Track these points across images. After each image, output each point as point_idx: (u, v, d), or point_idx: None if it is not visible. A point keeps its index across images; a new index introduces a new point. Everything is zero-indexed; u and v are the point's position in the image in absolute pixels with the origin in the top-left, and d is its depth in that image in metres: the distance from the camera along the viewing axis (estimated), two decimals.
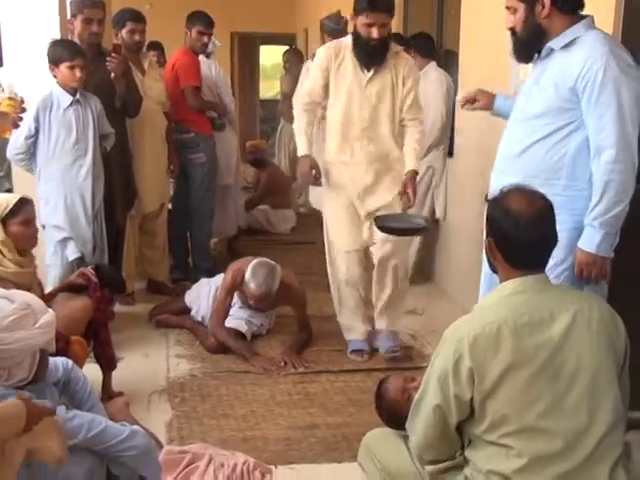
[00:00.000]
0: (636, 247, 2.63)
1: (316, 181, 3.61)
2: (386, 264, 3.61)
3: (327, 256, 3.77)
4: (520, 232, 1.89)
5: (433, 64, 4.76)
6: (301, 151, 3.57)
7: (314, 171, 3.52)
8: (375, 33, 3.34)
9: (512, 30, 2.54)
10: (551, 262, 2.15)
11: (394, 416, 2.30)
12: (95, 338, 3.12)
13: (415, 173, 3.48)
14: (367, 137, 3.53)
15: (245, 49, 12.90)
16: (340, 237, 3.65)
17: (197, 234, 5.03)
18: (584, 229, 2.43)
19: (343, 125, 3.55)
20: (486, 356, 1.80)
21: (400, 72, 3.50)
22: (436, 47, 5.07)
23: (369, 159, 3.55)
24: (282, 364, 3.64)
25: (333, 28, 5.17)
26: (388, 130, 3.53)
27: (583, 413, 1.81)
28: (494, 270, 2.02)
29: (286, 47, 8.55)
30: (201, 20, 4.86)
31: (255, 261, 3.73)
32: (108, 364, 3.21)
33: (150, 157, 4.47)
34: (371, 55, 3.43)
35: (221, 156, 5.06)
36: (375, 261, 3.67)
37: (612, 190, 2.35)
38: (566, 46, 2.42)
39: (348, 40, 3.51)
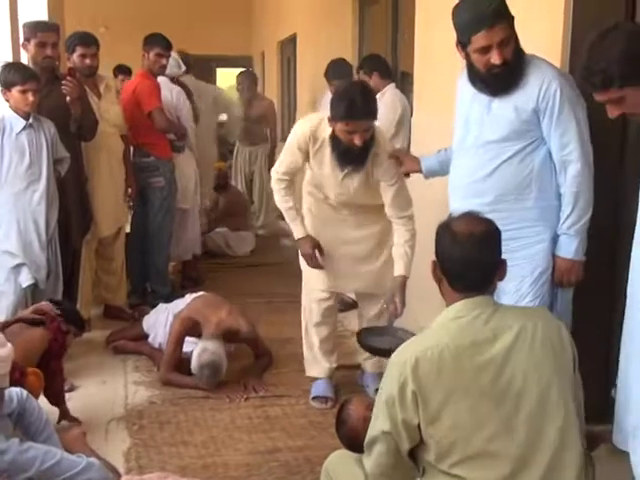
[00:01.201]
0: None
1: (319, 262, 3.39)
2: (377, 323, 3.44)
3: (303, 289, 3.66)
4: (457, 251, 1.91)
5: (392, 86, 4.82)
6: (298, 235, 3.37)
7: (317, 251, 3.37)
8: (358, 140, 3.01)
9: (503, 64, 2.48)
10: (537, 271, 2.48)
11: (354, 441, 2.29)
12: (45, 369, 3.00)
13: (405, 279, 3.20)
14: (345, 209, 3.40)
15: (201, 72, 12.89)
16: (315, 282, 3.51)
17: (155, 259, 4.98)
18: (559, 238, 2.59)
19: (319, 197, 3.42)
20: (428, 380, 1.79)
21: (378, 172, 3.21)
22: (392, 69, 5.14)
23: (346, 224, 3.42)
24: (242, 388, 3.61)
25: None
26: (371, 207, 3.36)
27: (533, 433, 1.79)
28: (442, 294, 2.03)
29: (242, 69, 8.54)
30: (159, 42, 4.86)
31: (197, 358, 3.57)
32: (56, 398, 3.12)
33: (107, 181, 4.43)
34: (351, 161, 3.15)
35: (179, 179, 5.04)
36: (364, 321, 3.57)
37: (581, 200, 2.55)
38: (525, 73, 2.53)
39: (328, 129, 3.17)
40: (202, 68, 12.77)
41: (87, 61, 4.29)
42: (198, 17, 11.00)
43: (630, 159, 2.87)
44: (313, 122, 3.20)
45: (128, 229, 4.95)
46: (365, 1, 6.24)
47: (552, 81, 2.49)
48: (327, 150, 3.18)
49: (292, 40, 8.89)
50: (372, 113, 3.04)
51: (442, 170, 3.00)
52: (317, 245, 3.39)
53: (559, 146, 2.54)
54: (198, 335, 3.73)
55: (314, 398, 3.52)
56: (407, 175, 3.24)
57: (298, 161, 3.29)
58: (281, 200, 3.38)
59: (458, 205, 2.63)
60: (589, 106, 2.51)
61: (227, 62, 12.98)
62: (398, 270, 3.21)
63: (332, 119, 3.06)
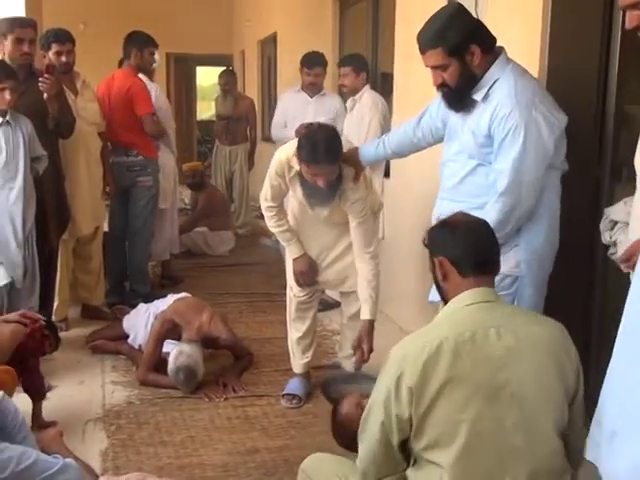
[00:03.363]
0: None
1: (311, 280, 3.43)
2: (355, 322, 3.43)
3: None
4: (459, 235, 1.97)
5: (368, 86, 4.83)
6: (294, 255, 3.40)
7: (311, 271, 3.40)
8: (321, 183, 3.02)
9: (443, 86, 2.55)
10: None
11: (354, 442, 2.30)
12: (23, 367, 2.98)
13: (372, 324, 3.22)
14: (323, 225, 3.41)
15: (181, 70, 12.84)
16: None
17: (136, 258, 4.96)
18: None
19: (298, 220, 3.44)
20: (425, 374, 1.79)
21: (345, 206, 3.22)
22: (371, 70, 5.15)
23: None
24: (221, 388, 3.60)
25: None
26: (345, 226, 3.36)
27: (521, 437, 1.79)
28: (444, 298, 2.03)
29: (222, 68, 8.52)
30: (152, 41, 4.95)
31: (173, 361, 3.54)
32: (36, 394, 3.10)
33: (84, 179, 4.39)
34: (318, 200, 3.18)
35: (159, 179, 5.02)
36: (344, 318, 3.60)
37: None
38: (486, 95, 2.51)
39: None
40: (182, 66, 12.79)
41: (63, 58, 4.25)
42: (178, 15, 10.94)
43: (607, 157, 2.91)
44: (289, 151, 3.18)
45: (106, 228, 4.91)
46: (346, 1, 6.25)
47: (505, 105, 2.44)
48: (298, 183, 3.20)
49: (272, 39, 8.87)
50: (335, 158, 3.02)
51: (378, 159, 3.27)
52: (312, 264, 3.42)
53: (495, 171, 2.51)
54: (178, 337, 3.71)
55: (283, 395, 3.53)
56: (357, 178, 3.21)
57: (281, 187, 3.30)
58: (274, 225, 3.40)
59: (443, 206, 2.69)
60: (569, 111, 2.51)
61: (207, 60, 12.94)
62: (364, 314, 3.23)
63: (297, 158, 3.08)
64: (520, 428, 1.79)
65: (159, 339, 3.70)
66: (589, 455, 1.79)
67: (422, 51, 2.53)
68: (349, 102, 4.90)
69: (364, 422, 1.97)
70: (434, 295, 2.76)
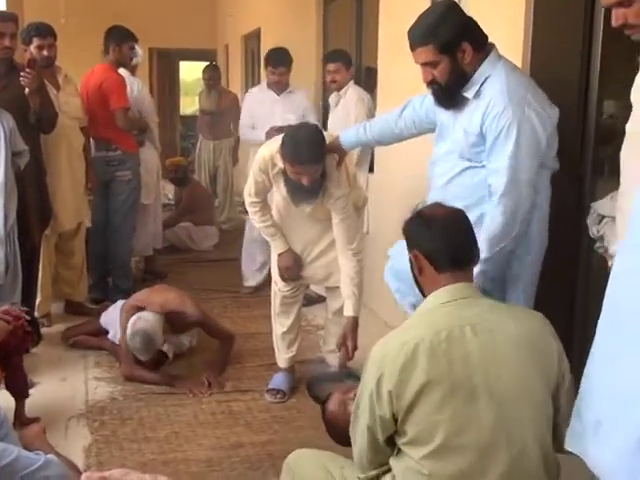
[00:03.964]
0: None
1: (296, 275, 3.44)
2: (339, 318, 3.44)
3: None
4: (438, 229, 1.94)
5: (352, 81, 4.83)
6: (279, 250, 3.41)
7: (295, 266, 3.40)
8: (305, 181, 3.02)
9: (433, 83, 2.52)
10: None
11: (346, 438, 2.31)
12: (6, 364, 2.96)
13: (356, 321, 3.21)
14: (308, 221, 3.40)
15: (164, 65, 12.77)
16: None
17: (118, 253, 4.93)
18: None
19: (282, 215, 3.43)
20: (403, 377, 1.79)
21: (328, 203, 3.22)
22: (356, 64, 5.14)
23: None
24: (206, 384, 3.59)
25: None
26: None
27: (499, 435, 1.79)
28: (422, 292, 2.03)
29: (206, 63, 8.48)
30: (132, 36, 4.90)
31: (130, 327, 3.57)
32: (20, 392, 3.08)
33: (66, 174, 4.35)
34: (302, 197, 3.16)
35: (141, 174, 4.99)
36: (329, 313, 3.60)
37: (490, 232, 2.43)
38: (477, 92, 2.48)
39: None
40: (165, 61, 12.71)
41: (44, 52, 4.21)
42: (162, 9, 10.88)
43: (589, 153, 2.93)
44: (273, 148, 3.18)
45: (88, 223, 4.88)
46: None
47: (497, 103, 2.40)
48: (282, 179, 3.20)
49: (256, 34, 8.84)
50: (319, 157, 3.02)
51: (359, 144, 3.23)
52: (297, 259, 3.42)
53: (490, 171, 2.47)
54: None
55: (267, 390, 3.53)
56: (339, 163, 3.21)
57: (265, 183, 3.30)
58: (258, 221, 3.41)
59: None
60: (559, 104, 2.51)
61: (191, 55, 12.88)
62: (347, 311, 3.22)
63: (281, 157, 3.08)
64: (499, 426, 1.79)
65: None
66: (571, 447, 1.80)
67: (412, 48, 2.50)
68: (333, 97, 4.90)
69: (354, 420, 1.97)
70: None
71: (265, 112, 5.00)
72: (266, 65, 5.10)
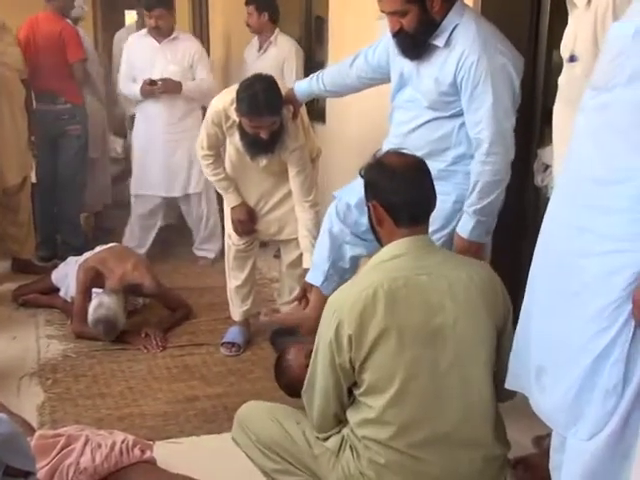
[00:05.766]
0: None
1: (250, 229, 3.42)
2: (294, 270, 3.48)
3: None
4: (400, 182, 1.92)
5: (278, 30, 4.76)
6: (232, 204, 3.38)
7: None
8: (263, 134, 3.00)
9: (400, 32, 2.47)
10: (430, 229, 2.21)
11: (296, 389, 2.31)
12: None
13: None
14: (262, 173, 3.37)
15: (109, 14, 12.34)
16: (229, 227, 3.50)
17: (67, 209, 4.83)
18: (463, 214, 2.50)
19: (236, 167, 3.39)
20: (364, 322, 1.81)
21: (285, 156, 3.22)
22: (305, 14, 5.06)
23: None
24: (147, 338, 3.56)
25: None
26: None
27: (455, 376, 1.83)
28: (379, 241, 2.03)
29: None
30: None
31: (92, 312, 3.50)
32: None
33: (9, 128, 4.21)
34: (258, 151, 3.14)
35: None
36: (283, 266, 3.58)
37: (483, 181, 2.42)
38: (447, 41, 2.44)
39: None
40: (110, 10, 12.28)
41: None
42: None
43: (539, 101, 2.95)
44: (226, 100, 3.12)
45: (33, 179, 4.74)
46: None
47: (471, 53, 2.38)
48: (237, 132, 3.15)
49: None
50: (277, 108, 2.99)
51: (312, 95, 3.11)
52: (251, 212, 3.39)
53: (472, 123, 2.44)
54: (103, 286, 3.65)
55: (222, 344, 3.53)
56: (295, 115, 3.17)
57: (218, 135, 3.25)
58: (211, 174, 3.37)
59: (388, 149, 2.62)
60: None
61: (137, 3, 12.44)
62: (307, 263, 3.18)
63: (237, 111, 3.03)
64: (454, 368, 1.84)
65: (85, 290, 3.64)
66: (511, 385, 1.86)
67: None
68: (255, 42, 4.86)
69: (310, 376, 1.98)
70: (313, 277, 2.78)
71: (145, 63, 4.52)
72: (143, 8, 4.68)
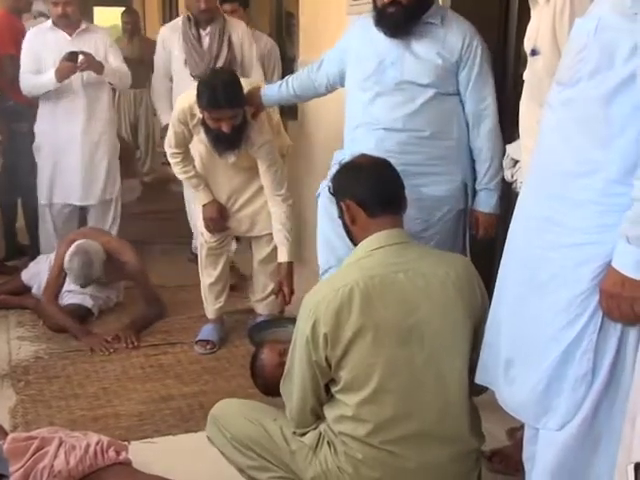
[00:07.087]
0: None
1: (222, 227, 3.41)
2: (266, 266, 3.49)
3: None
4: (368, 176, 2.01)
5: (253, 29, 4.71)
6: (204, 201, 3.36)
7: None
8: (225, 128, 2.99)
9: (393, 2, 2.47)
10: (441, 211, 2.57)
11: (271, 388, 2.34)
12: None
13: (290, 266, 3.20)
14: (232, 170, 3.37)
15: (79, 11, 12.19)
16: (202, 225, 3.48)
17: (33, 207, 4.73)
18: (479, 193, 2.66)
19: (205, 165, 3.38)
20: (339, 320, 1.81)
21: (252, 151, 3.21)
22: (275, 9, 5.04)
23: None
24: (116, 340, 3.51)
25: None
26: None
27: (430, 374, 1.84)
28: (354, 242, 2.04)
29: (122, 8, 8.13)
30: None
31: (71, 248, 3.53)
32: None
33: None
34: (224, 147, 3.14)
35: None
36: (255, 263, 3.57)
37: (498, 154, 2.60)
38: (442, 19, 2.56)
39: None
40: (79, 6, 12.12)
41: None
42: None
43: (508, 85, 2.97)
44: (191, 99, 3.10)
45: None
46: None
47: (474, 37, 2.57)
48: (202, 130, 3.14)
49: None
50: (237, 101, 2.98)
51: (281, 101, 3.19)
52: (222, 209, 3.38)
53: (477, 99, 2.60)
54: None
55: (197, 342, 3.51)
56: (255, 115, 3.16)
57: (185, 134, 3.23)
58: (180, 172, 3.35)
59: (376, 138, 2.61)
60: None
61: (105, 0, 12.32)
62: (282, 257, 3.21)
63: (198, 105, 3.03)
64: (430, 365, 1.84)
65: (63, 263, 3.59)
66: (480, 380, 1.88)
67: None
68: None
69: (288, 372, 1.98)
70: None
71: (53, 58, 4.05)
72: None
